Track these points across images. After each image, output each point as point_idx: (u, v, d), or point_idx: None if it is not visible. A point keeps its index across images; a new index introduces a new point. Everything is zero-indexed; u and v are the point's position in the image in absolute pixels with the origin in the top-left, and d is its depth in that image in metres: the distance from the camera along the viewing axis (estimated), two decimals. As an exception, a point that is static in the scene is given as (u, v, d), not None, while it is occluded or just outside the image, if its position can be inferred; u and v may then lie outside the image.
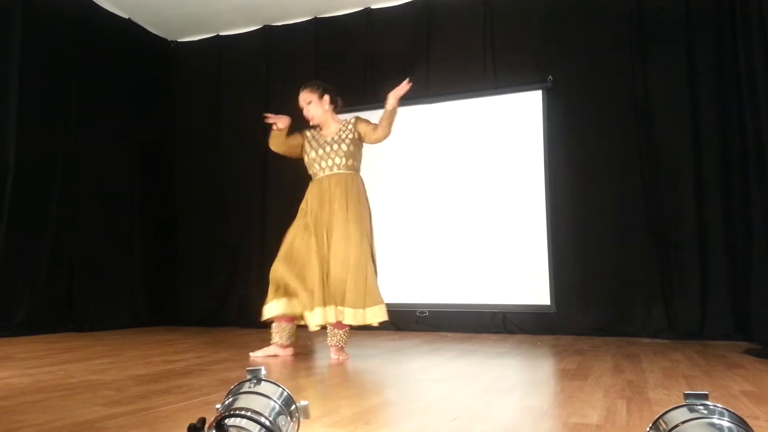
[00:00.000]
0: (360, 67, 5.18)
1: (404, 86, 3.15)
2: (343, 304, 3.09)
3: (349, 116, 3.40)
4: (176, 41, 5.95)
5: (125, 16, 5.38)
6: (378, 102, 5.05)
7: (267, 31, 5.56)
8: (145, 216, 5.44)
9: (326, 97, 3.36)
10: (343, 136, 3.28)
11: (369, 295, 3.10)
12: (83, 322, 4.65)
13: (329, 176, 3.25)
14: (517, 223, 4.57)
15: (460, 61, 4.86)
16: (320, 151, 3.29)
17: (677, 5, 4.27)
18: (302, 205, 3.31)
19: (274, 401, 1.10)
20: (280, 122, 3.28)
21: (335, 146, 3.26)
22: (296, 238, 3.23)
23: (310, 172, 3.35)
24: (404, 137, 4.94)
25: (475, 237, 4.66)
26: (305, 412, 1.14)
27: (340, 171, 3.25)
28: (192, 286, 5.59)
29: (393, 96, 3.15)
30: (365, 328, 4.69)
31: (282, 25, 5.54)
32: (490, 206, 4.66)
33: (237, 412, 1.04)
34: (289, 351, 3.25)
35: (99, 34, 5.08)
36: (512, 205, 4.60)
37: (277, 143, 3.36)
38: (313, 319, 3.10)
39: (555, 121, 4.54)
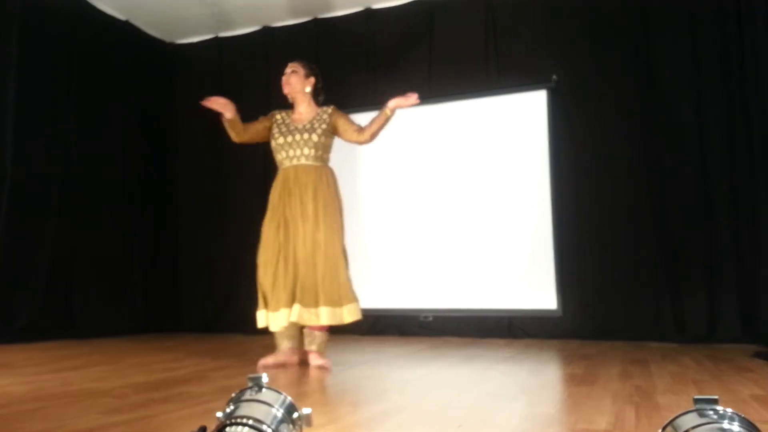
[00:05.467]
0: (361, 67, 5.16)
1: (411, 100, 3.04)
2: (317, 304, 2.95)
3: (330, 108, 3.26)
4: (175, 43, 5.93)
5: (123, 18, 5.35)
6: (380, 103, 5.05)
7: (267, 32, 5.55)
8: (146, 222, 5.41)
9: (311, 79, 3.21)
10: (316, 125, 3.12)
11: (343, 293, 3.00)
12: (82, 330, 4.61)
13: (296, 167, 3.11)
14: (521, 227, 4.53)
15: (462, 61, 4.82)
16: (289, 138, 3.11)
17: (682, 1, 4.24)
18: (271, 198, 3.17)
19: (276, 409, 1.09)
20: (226, 111, 3.08)
21: (306, 135, 3.09)
22: (270, 238, 3.12)
23: (276, 158, 3.20)
24: (407, 139, 4.93)
25: (480, 241, 4.63)
26: (308, 419, 1.13)
27: (309, 162, 3.09)
28: (192, 293, 5.56)
29: (395, 104, 3.05)
30: (368, 333, 4.69)
31: (282, 26, 5.51)
32: (494, 209, 4.62)
33: (238, 420, 1.03)
34: (297, 356, 3.14)
35: (97, 37, 5.05)
36: (517, 207, 4.57)
37: (237, 132, 3.17)
38: (278, 320, 2.99)
39: (559, 121, 4.51)
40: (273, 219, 3.14)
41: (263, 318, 3.09)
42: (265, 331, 3.25)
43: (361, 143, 3.19)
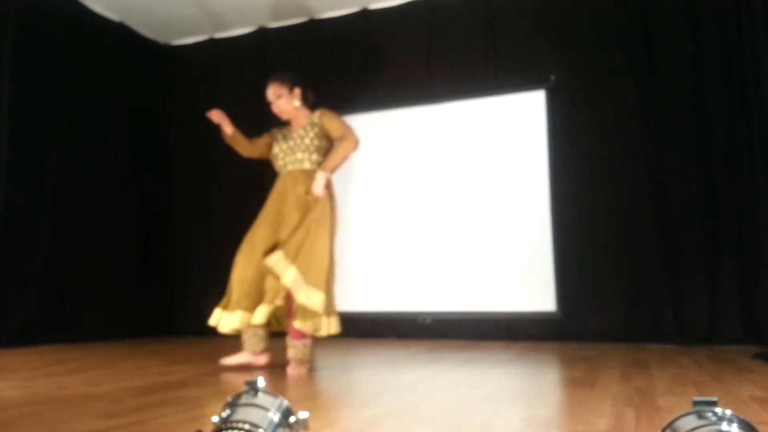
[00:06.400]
0: (358, 68, 5.13)
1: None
2: (294, 262, 2.89)
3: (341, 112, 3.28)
4: (169, 44, 5.90)
5: (117, 19, 5.32)
6: (378, 104, 5.07)
7: (261, 33, 5.52)
8: (141, 225, 5.38)
9: (297, 91, 3.13)
10: (308, 129, 3.09)
11: (328, 304, 2.94)
12: (77, 333, 4.58)
13: (291, 172, 3.08)
14: (520, 228, 4.52)
15: (460, 61, 4.80)
16: (283, 146, 3.11)
17: (682, 1, 4.24)
18: (267, 201, 3.16)
19: (273, 413, 1.07)
20: (224, 126, 3.13)
21: (299, 140, 3.07)
22: (254, 234, 3.12)
23: (275, 168, 3.20)
24: (405, 140, 4.92)
25: (478, 242, 4.61)
26: (305, 424, 1.11)
27: (304, 167, 3.06)
28: (188, 297, 5.51)
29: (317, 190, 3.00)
30: (366, 335, 4.67)
31: (277, 27, 5.49)
32: (493, 210, 4.61)
33: (234, 424, 1.01)
34: (263, 358, 3.03)
35: (91, 38, 5.03)
36: (515, 208, 4.55)
37: (242, 147, 3.23)
38: (256, 317, 2.92)
39: (558, 122, 4.49)
40: (265, 219, 3.12)
41: (216, 317, 3.06)
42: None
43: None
